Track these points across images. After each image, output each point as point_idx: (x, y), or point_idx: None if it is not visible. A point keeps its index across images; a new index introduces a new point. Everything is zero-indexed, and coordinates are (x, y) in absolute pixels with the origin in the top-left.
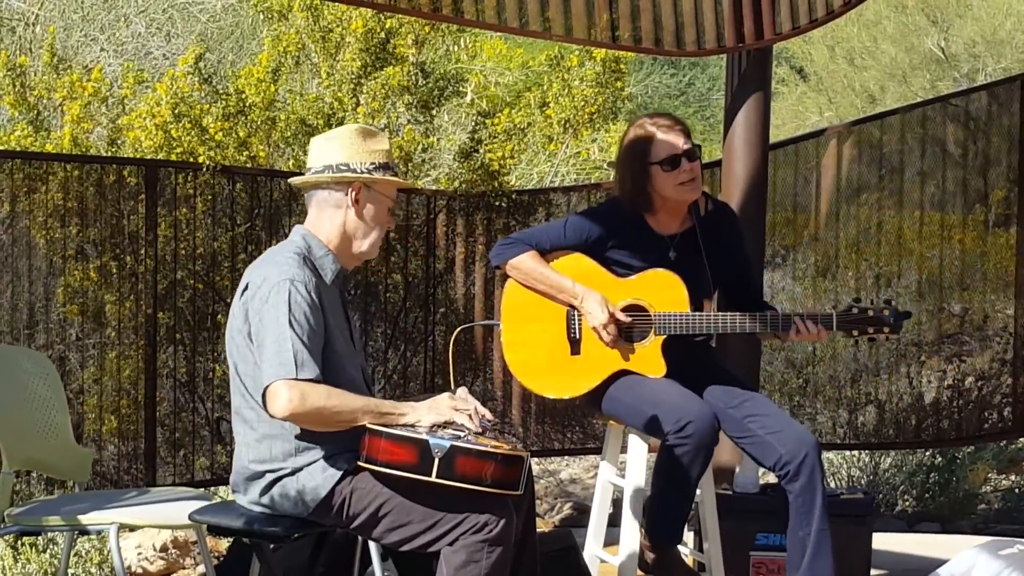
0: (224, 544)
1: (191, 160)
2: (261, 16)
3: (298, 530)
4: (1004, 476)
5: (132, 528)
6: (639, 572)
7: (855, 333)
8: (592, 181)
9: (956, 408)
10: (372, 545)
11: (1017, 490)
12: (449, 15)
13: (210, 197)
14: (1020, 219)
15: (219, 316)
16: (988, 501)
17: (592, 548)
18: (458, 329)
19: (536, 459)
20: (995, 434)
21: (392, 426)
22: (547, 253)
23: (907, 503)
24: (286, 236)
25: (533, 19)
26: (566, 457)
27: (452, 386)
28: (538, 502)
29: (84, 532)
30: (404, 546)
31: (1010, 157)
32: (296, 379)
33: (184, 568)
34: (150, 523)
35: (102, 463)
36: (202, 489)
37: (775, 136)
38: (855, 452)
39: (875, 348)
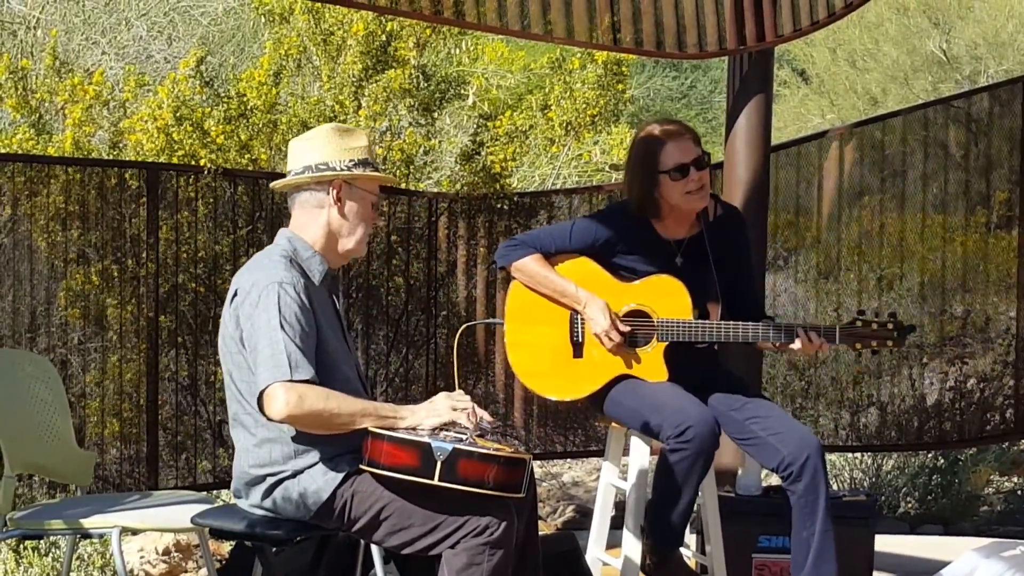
0: (226, 547)
1: (193, 163)
2: (262, 19)
3: (300, 533)
4: (1006, 478)
5: (134, 532)
6: (641, 575)
7: (858, 346)
8: (594, 183)
9: (958, 410)
10: (374, 548)
11: (1020, 492)
12: (451, 18)
13: (212, 200)
14: (1022, 221)
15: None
16: (990, 503)
17: (594, 551)
18: (462, 327)
19: (538, 462)
20: (997, 436)
21: (394, 429)
22: (551, 256)
23: (909, 505)
24: None
25: (535, 22)
26: (568, 460)
27: (455, 385)
28: (540, 505)
29: (86, 536)
30: (405, 549)
31: (1012, 159)
32: (292, 380)
33: (186, 571)
34: (152, 526)
35: (104, 467)
36: (204, 492)
37: (777, 138)
38: (857, 454)
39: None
